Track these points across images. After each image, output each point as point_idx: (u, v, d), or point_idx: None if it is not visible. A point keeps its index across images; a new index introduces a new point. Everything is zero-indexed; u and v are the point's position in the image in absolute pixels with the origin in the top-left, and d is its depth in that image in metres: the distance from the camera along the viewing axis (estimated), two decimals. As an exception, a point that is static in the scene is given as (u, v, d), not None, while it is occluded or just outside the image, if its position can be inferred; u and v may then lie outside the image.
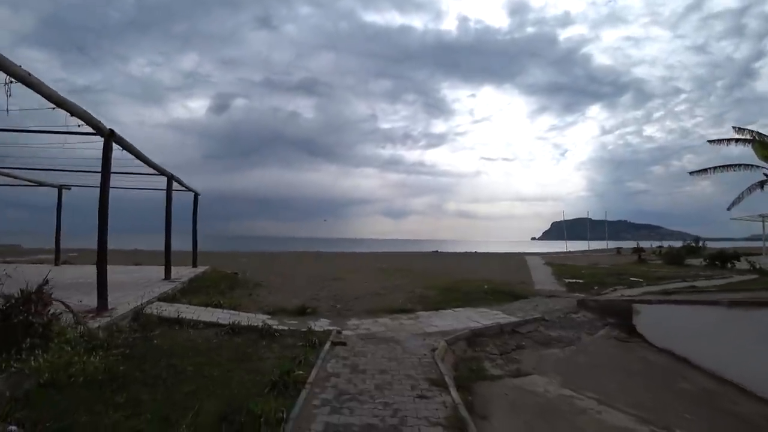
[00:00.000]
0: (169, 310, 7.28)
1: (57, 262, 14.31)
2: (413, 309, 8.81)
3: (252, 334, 6.22)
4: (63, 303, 5.27)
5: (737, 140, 14.57)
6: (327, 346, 5.70)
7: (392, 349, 5.87)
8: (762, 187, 14.96)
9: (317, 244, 72.50)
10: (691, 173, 16.99)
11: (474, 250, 48.01)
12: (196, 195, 14.82)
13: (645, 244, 32.65)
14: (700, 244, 26.38)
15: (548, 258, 28.11)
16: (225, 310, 7.86)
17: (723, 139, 15.03)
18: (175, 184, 11.71)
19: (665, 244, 34.32)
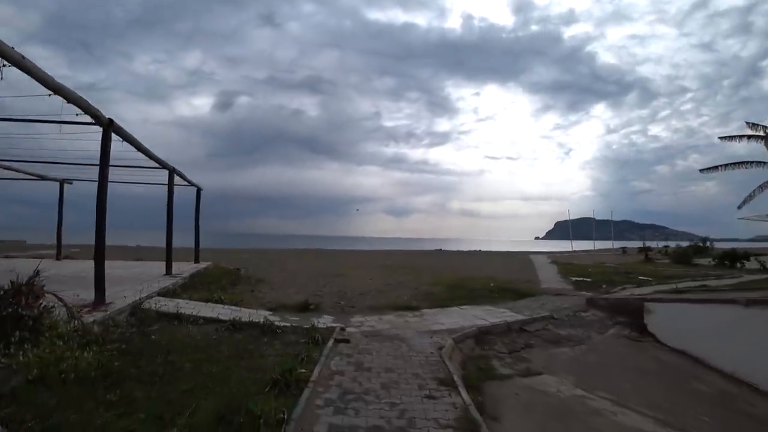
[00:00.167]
0: (169, 305, 7.14)
1: (58, 257, 14.21)
2: (418, 306, 8.66)
3: (253, 330, 6.06)
4: (56, 296, 5.08)
5: (749, 137, 14.30)
6: (330, 343, 5.55)
7: (398, 346, 5.70)
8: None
9: (319, 242, 72.53)
10: (701, 170, 16.81)
11: (478, 249, 47.83)
12: (198, 190, 14.71)
13: (650, 243, 32.33)
14: (708, 244, 26.17)
15: (553, 257, 27.94)
16: (226, 306, 7.72)
17: (735, 136, 14.78)
18: (177, 179, 11.58)
19: (671, 244, 34.02)
